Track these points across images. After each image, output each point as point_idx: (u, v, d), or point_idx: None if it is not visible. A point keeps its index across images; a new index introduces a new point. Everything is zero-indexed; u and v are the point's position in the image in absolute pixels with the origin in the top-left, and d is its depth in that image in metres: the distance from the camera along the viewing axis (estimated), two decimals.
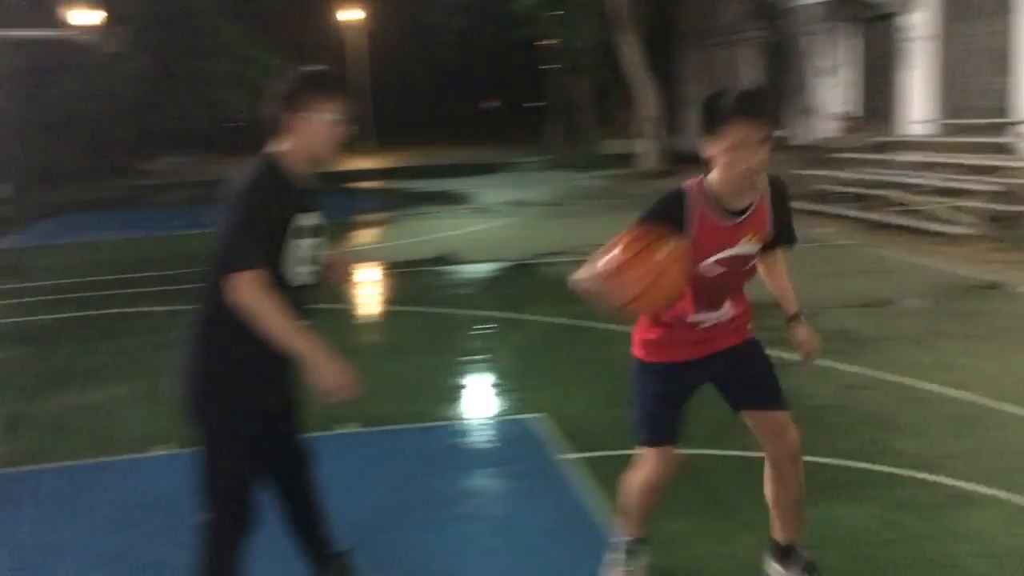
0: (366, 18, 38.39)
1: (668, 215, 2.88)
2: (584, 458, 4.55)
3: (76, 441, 5.26)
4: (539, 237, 12.85)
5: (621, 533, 3.30)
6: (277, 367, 2.87)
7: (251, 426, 2.88)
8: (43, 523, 4.12)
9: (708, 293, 3.00)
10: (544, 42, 28.27)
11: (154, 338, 7.45)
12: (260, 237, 2.66)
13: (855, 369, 5.93)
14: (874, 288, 8.57)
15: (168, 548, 3.69)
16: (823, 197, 14.13)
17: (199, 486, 2.87)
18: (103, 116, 25.72)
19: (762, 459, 3.19)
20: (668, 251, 2.69)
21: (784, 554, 3.23)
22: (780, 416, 3.12)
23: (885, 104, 17.02)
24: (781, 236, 3.12)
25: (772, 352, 3.22)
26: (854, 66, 18.39)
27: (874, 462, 4.41)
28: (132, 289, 10.06)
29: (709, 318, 3.04)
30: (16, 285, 10.79)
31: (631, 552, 3.27)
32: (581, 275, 2.76)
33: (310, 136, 2.78)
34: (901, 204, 12.60)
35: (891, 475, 4.27)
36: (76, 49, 19.26)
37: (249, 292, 2.62)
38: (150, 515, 4.11)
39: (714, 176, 2.91)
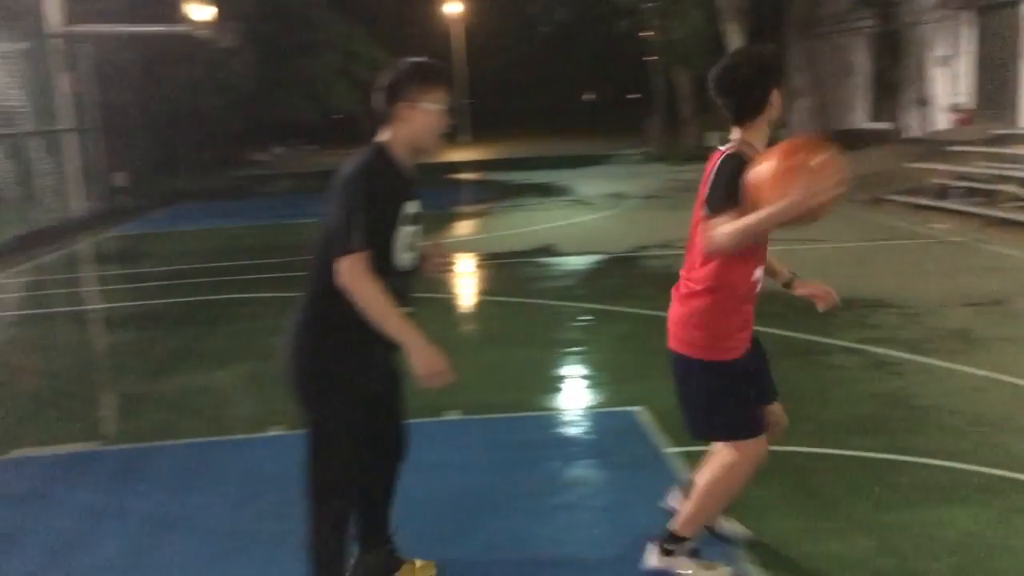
0: (465, 11, 38.72)
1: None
2: (683, 452, 4.53)
3: (196, 420, 5.51)
4: (638, 230, 12.78)
5: (691, 534, 3.29)
6: (381, 350, 2.93)
7: (356, 407, 2.95)
8: (166, 497, 4.34)
9: (763, 249, 3.15)
10: (646, 33, 28.00)
11: (265, 323, 7.72)
12: (368, 221, 2.72)
13: (971, 370, 5.73)
14: (991, 286, 8.23)
15: (283, 524, 3.83)
16: (937, 192, 13.64)
17: (307, 465, 2.98)
18: (215, 108, 26.67)
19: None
20: (828, 154, 2.82)
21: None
22: (779, 408, 3.34)
23: (1003, 95, 16.29)
24: None
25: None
26: (969, 56, 17.65)
27: (991, 466, 4.26)
28: (243, 276, 10.44)
29: (761, 276, 3.17)
30: (136, 270, 11.32)
31: (698, 551, 3.33)
32: (726, 230, 2.83)
33: (415, 125, 2.87)
34: (1020, 199, 12.06)
35: (1009, 479, 4.12)
36: (191, 43, 20.02)
37: (354, 274, 2.70)
38: (265, 492, 4.27)
39: (754, 136, 3.06)
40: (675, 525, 3.31)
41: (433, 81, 2.89)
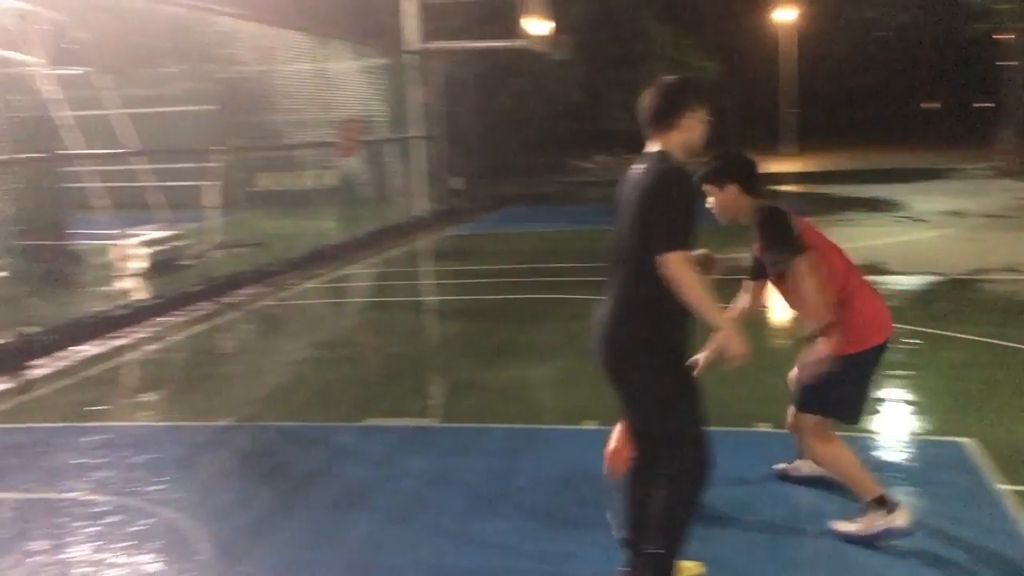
0: (799, 16, 37.41)
1: None
2: (1018, 491, 4.20)
3: (517, 407, 5.97)
4: (979, 251, 11.75)
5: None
6: (686, 339, 3.25)
7: (687, 383, 3.25)
8: (490, 474, 4.77)
9: None
10: (1003, 36, 25.48)
11: (582, 323, 8.02)
12: (685, 221, 3.09)
13: None
14: None
15: (596, 512, 4.07)
16: None
17: (657, 445, 3.24)
18: (544, 117, 28.04)
19: None
20: None
21: None
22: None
23: None
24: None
25: None
26: None
27: None
28: (563, 277, 10.97)
29: None
30: (469, 267, 12.30)
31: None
32: None
33: (693, 133, 3.27)
34: None
35: None
36: (524, 56, 21.24)
37: (679, 266, 3.02)
38: (581, 482, 4.53)
39: None
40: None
41: (705, 95, 3.31)
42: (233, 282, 10.77)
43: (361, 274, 12.32)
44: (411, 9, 17.42)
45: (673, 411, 3.23)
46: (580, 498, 4.35)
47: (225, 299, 10.20)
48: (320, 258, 12.81)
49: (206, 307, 9.81)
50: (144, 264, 11.10)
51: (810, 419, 3.89)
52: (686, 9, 34.14)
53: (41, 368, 7.38)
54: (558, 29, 19.50)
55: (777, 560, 3.71)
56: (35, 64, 10.07)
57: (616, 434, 3.58)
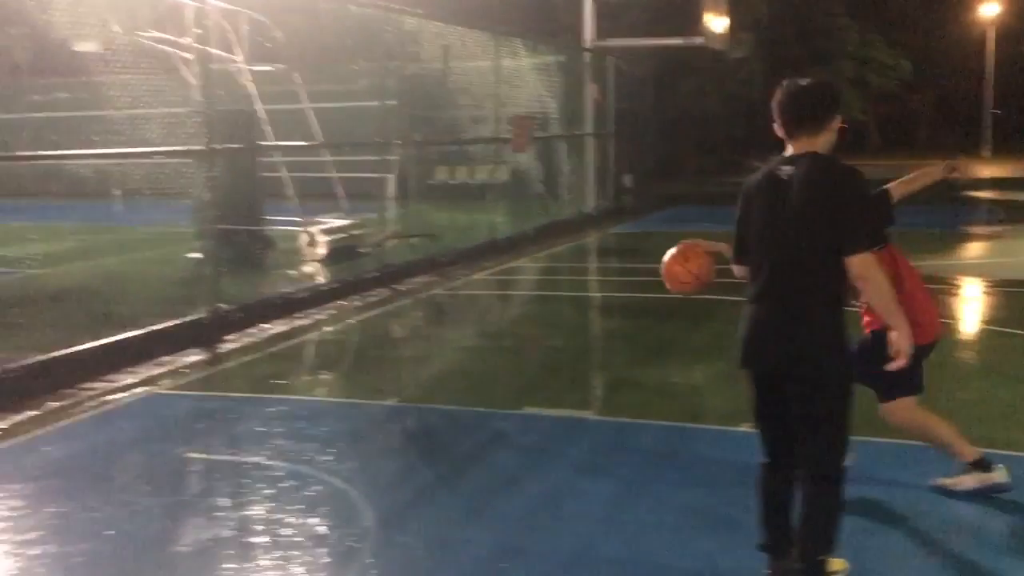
0: (1000, 12, 34.92)
1: None
2: None
3: (673, 405, 5.99)
4: None
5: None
6: None
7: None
8: (641, 468, 4.82)
9: None
10: None
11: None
12: (870, 220, 3.22)
13: None
14: None
15: (740, 511, 4.05)
16: None
17: (823, 449, 3.22)
18: (718, 116, 27.53)
19: None
20: None
21: None
22: None
23: None
24: None
25: None
26: None
27: None
28: (727, 279, 10.79)
29: None
30: (634, 265, 12.32)
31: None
32: None
33: (833, 135, 3.32)
34: None
35: None
36: (704, 54, 20.96)
37: (870, 268, 3.10)
38: (733, 482, 4.50)
39: None
40: None
41: (841, 99, 3.41)
42: (406, 270, 11.24)
43: (528, 268, 12.56)
44: (588, 7, 17.54)
45: (846, 415, 3.24)
46: (730, 499, 4.34)
47: (398, 286, 10.67)
48: (489, 251, 13.14)
49: (380, 293, 10.30)
50: (326, 251, 11.76)
51: (900, 404, 4.12)
52: (876, 4, 32.55)
53: (232, 343, 7.99)
54: (738, 26, 19.11)
55: (924, 573, 3.60)
56: (237, 61, 10.88)
57: (674, 250, 3.90)
